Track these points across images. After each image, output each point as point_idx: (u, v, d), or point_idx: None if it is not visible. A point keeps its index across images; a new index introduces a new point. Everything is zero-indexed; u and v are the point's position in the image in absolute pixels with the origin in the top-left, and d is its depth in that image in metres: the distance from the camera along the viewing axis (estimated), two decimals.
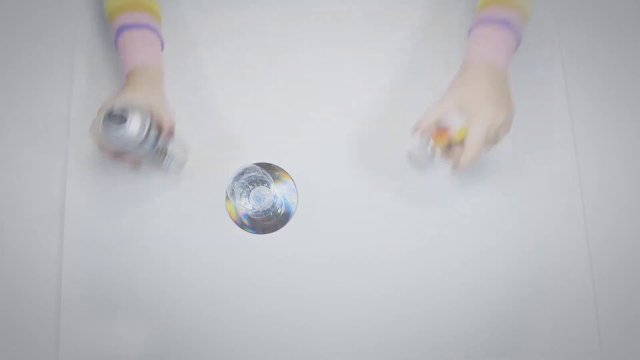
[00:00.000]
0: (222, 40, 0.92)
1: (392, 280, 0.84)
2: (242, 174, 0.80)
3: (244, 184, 0.82)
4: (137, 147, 0.73)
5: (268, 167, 0.87)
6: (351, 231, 0.85)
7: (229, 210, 0.86)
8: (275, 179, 0.87)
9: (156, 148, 0.76)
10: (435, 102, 0.74)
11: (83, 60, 0.91)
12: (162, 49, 0.85)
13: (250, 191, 0.83)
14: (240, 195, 0.82)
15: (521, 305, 0.83)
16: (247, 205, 0.83)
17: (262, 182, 0.83)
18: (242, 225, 0.86)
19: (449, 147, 0.75)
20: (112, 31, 0.83)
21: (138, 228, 0.85)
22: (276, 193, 0.85)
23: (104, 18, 0.93)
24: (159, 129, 0.76)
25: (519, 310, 0.83)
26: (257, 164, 0.83)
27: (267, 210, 0.84)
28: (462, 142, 0.73)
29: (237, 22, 0.92)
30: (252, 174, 0.80)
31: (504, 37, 0.76)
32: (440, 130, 0.74)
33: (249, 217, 0.86)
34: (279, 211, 0.86)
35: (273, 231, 0.85)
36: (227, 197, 0.85)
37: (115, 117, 0.72)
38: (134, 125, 0.72)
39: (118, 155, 0.76)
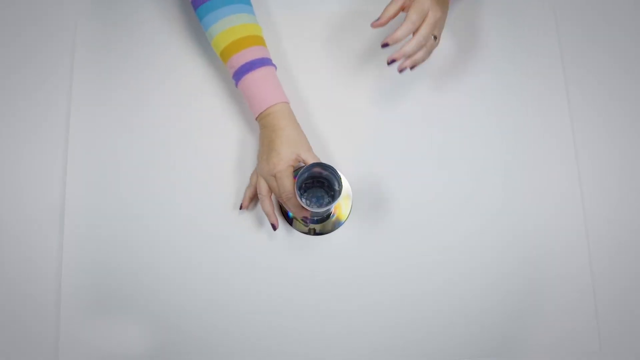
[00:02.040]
0: None
1: (391, 281, 0.84)
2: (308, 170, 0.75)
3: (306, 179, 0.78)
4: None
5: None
6: (350, 233, 0.86)
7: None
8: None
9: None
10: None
11: (83, 60, 0.91)
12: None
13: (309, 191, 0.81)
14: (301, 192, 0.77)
15: (521, 306, 0.83)
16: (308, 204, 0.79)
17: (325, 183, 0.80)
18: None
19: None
20: (229, 70, 0.82)
21: (138, 228, 0.85)
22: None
23: (103, 18, 0.93)
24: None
25: (519, 310, 0.83)
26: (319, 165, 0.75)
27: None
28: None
29: None
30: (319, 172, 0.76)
31: None
32: None
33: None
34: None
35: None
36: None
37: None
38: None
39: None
